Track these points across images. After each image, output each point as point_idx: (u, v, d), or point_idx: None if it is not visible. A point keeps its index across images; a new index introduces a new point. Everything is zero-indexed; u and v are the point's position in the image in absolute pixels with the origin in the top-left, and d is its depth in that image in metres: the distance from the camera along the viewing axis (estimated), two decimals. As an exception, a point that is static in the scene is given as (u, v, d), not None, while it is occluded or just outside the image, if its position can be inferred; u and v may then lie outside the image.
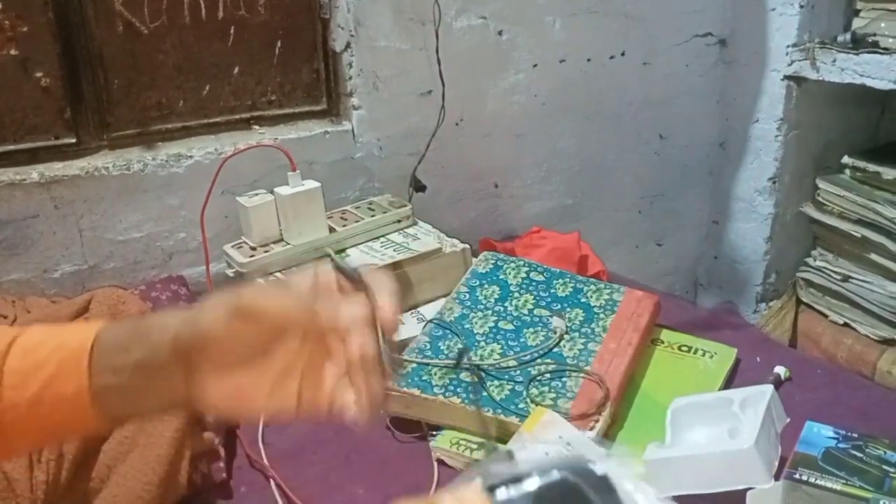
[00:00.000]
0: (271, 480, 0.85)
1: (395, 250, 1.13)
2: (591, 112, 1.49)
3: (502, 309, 1.03)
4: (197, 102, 1.17)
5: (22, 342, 0.54)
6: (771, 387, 0.81)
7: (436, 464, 0.86)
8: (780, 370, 0.99)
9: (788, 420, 0.80)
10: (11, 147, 1.04)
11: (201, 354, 0.52)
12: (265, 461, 0.87)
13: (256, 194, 1.12)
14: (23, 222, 1.03)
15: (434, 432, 0.89)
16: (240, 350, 0.53)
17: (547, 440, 0.81)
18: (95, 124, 1.10)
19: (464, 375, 0.91)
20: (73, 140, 1.08)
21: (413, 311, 1.10)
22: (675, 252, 1.73)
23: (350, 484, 0.85)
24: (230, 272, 1.09)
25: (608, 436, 0.86)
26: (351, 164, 1.26)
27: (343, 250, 1.15)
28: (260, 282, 0.71)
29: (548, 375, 0.92)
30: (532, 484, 0.39)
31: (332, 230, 1.14)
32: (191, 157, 1.13)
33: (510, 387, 0.90)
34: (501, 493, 0.39)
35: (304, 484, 0.85)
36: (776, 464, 0.75)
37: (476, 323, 1.01)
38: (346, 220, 1.18)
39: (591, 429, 0.83)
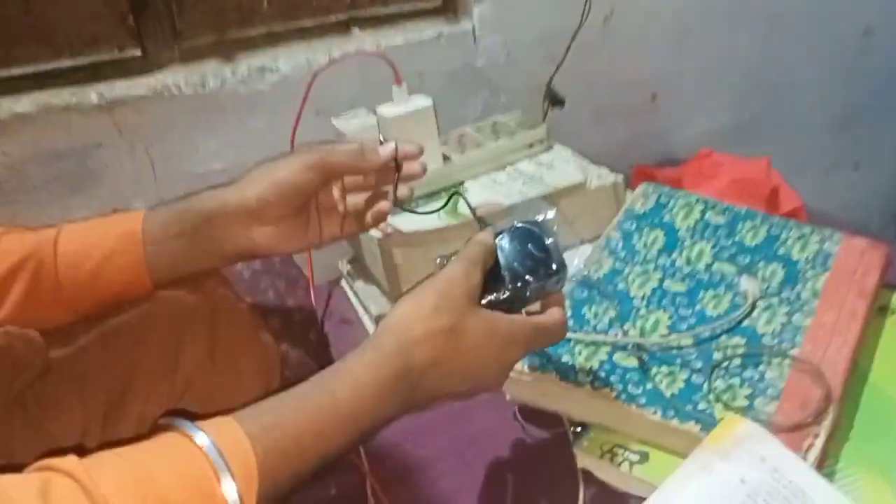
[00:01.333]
0: (367, 483, 0.66)
1: (525, 183, 0.90)
2: (776, 6, 1.16)
3: (669, 263, 0.78)
4: (284, 2, 0.96)
5: (68, 230, 0.61)
6: None
7: (580, 474, 0.65)
8: None
9: None
10: (67, 63, 0.87)
11: (236, 224, 0.61)
12: (363, 458, 0.69)
13: (355, 115, 0.91)
14: (84, 152, 0.87)
15: (579, 429, 0.67)
16: (288, 204, 0.62)
17: (742, 459, 0.57)
18: (163, 32, 0.91)
19: (619, 357, 0.68)
20: (138, 52, 0.90)
21: (556, 227, 0.86)
22: (875, 179, 1.39)
23: (462, 494, 0.66)
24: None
25: (829, 450, 0.61)
26: (471, 74, 1.02)
27: (461, 184, 0.92)
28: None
29: (738, 361, 0.67)
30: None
31: (446, 158, 0.92)
32: (277, 69, 0.92)
33: (685, 376, 0.66)
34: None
35: (404, 488, 0.66)
36: None
37: (633, 282, 0.76)
38: (464, 145, 0.95)
39: (809, 449, 0.58)
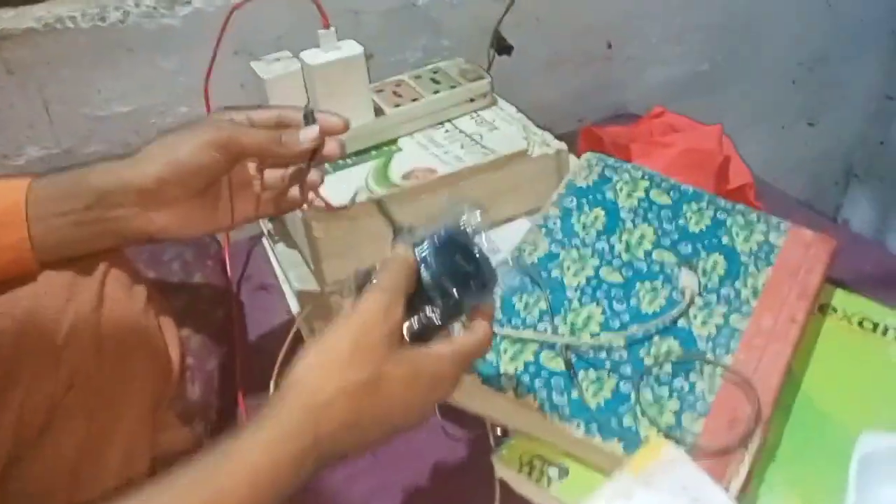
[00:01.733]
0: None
1: (463, 146, 0.83)
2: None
3: (608, 248, 0.73)
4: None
5: None
6: None
7: (497, 483, 0.62)
8: None
9: None
10: (-61, -15, 0.76)
11: (132, 205, 0.56)
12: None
13: (278, 59, 0.81)
14: (-35, 93, 0.77)
15: (500, 433, 0.64)
16: (191, 186, 0.57)
17: (663, 487, 0.54)
18: (56, -48, 0.80)
19: (546, 358, 0.64)
20: (26, -25, 0.79)
21: (483, 234, 0.80)
22: (830, 133, 1.35)
23: (379, 494, 0.62)
24: (243, 165, 0.81)
25: (753, 471, 0.59)
26: (411, 13, 0.93)
27: (394, 141, 0.85)
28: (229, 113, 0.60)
29: (669, 368, 0.63)
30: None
31: (379, 112, 0.84)
32: (188, 2, 0.82)
33: (612, 384, 0.62)
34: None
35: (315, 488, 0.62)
36: None
37: (569, 269, 0.72)
38: (400, 96, 0.87)
39: (733, 478, 0.56)
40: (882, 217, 1.42)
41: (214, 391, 0.67)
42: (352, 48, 0.79)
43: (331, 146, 0.61)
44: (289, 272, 0.82)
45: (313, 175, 0.63)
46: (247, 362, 0.72)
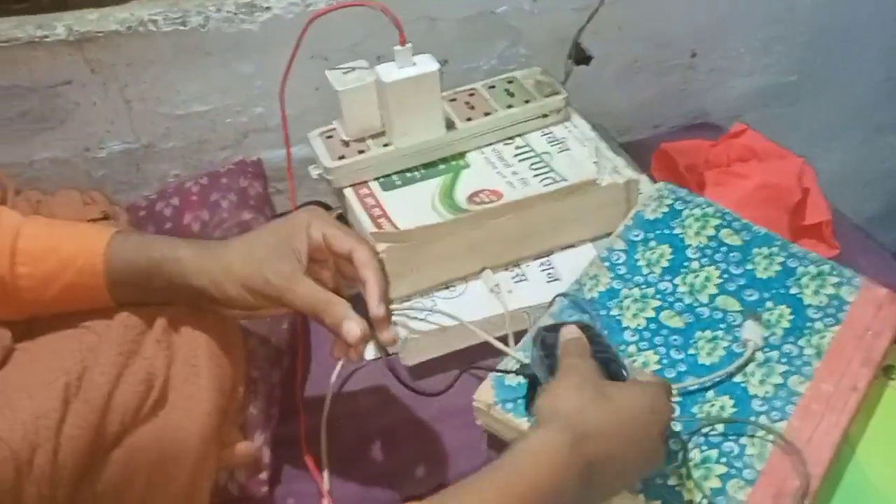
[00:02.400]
0: (324, 501, 0.66)
1: (532, 167, 0.82)
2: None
3: (671, 289, 0.72)
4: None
5: (26, 247, 0.58)
6: None
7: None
8: None
9: None
10: (30, -13, 0.78)
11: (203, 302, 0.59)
12: (324, 470, 0.67)
13: (353, 69, 0.81)
14: (52, 90, 0.79)
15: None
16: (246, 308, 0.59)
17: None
18: (142, -45, 0.80)
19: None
20: (112, -22, 0.80)
21: (543, 260, 0.80)
22: (917, 147, 1.28)
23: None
24: (314, 173, 0.82)
25: (795, 544, 0.59)
26: (490, 20, 0.91)
27: (462, 155, 0.84)
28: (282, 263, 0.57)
29: (721, 428, 0.63)
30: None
31: (450, 125, 0.83)
32: (268, 7, 0.82)
33: (662, 440, 0.63)
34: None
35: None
36: None
37: (628, 308, 0.71)
38: (472, 107, 0.86)
39: (774, 556, 0.56)
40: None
41: (276, 403, 0.70)
42: (427, 65, 0.79)
43: (386, 336, 0.58)
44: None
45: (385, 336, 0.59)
46: (307, 374, 0.75)
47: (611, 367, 0.60)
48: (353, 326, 0.55)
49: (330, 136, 0.84)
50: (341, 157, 0.81)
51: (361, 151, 0.81)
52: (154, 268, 0.58)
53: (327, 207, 0.84)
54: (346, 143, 0.82)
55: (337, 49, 0.85)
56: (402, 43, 0.77)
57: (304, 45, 0.77)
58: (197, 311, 0.62)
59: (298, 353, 0.75)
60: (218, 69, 0.84)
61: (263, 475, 0.65)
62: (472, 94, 0.88)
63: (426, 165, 0.83)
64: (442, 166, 0.83)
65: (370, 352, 0.60)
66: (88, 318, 0.60)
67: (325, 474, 0.67)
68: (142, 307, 0.61)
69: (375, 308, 0.57)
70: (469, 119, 0.84)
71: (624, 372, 0.59)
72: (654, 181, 0.88)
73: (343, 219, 0.83)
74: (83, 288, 0.58)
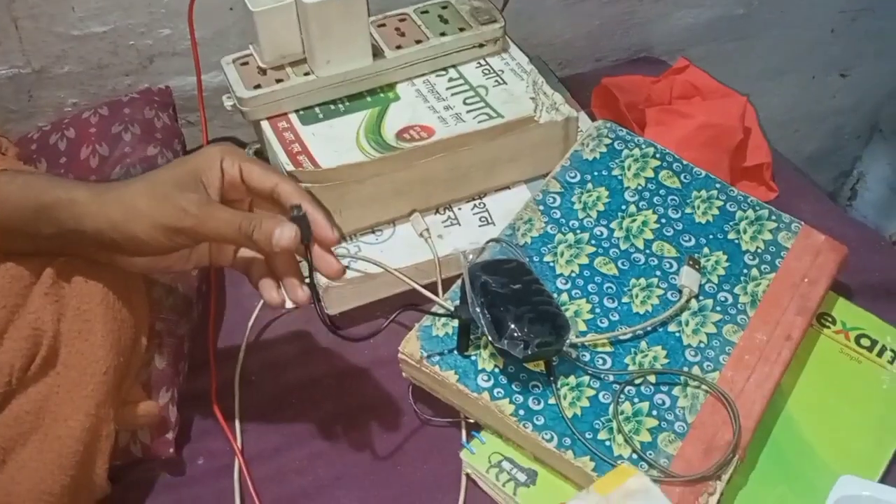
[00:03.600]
0: (236, 460, 0.61)
1: (465, 101, 0.77)
2: None
3: (606, 233, 0.69)
4: None
5: None
6: None
7: (464, 478, 0.61)
8: None
9: None
10: None
11: (94, 249, 0.54)
12: (236, 429, 0.63)
13: (271, -13, 0.74)
14: (-76, 5, 0.70)
15: (474, 431, 0.62)
16: (150, 254, 0.53)
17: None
18: None
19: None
20: None
21: (476, 202, 0.76)
22: (861, 86, 1.26)
23: (341, 480, 0.62)
24: (228, 104, 0.75)
25: (723, 498, 0.57)
26: (424, -62, 0.83)
27: (392, 87, 0.78)
28: (194, 196, 0.51)
29: (651, 382, 0.61)
30: None
31: (377, 52, 0.77)
32: (173, -86, 0.73)
33: (591, 392, 0.60)
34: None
35: (279, 469, 0.62)
36: None
37: (562, 255, 0.68)
38: (403, 33, 0.79)
39: (702, 511, 0.55)
40: (900, 175, 1.36)
41: (184, 357, 0.65)
42: (352, -15, 0.72)
43: (327, 267, 0.53)
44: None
45: (298, 294, 0.54)
46: (220, 322, 0.70)
47: (556, 320, 0.58)
48: (286, 229, 0.49)
49: (245, 63, 0.76)
50: (257, 87, 0.74)
51: (279, 80, 0.74)
52: (44, 212, 0.51)
53: (242, 145, 0.78)
54: (263, 71, 0.75)
55: (253, -35, 0.77)
56: (324, -40, 0.70)
57: (215, -41, 0.69)
58: (93, 260, 0.56)
59: (210, 301, 0.69)
60: (118, -17, 0.75)
61: (170, 435, 0.60)
62: (402, 20, 0.81)
63: (351, 97, 0.77)
64: (369, 98, 0.77)
65: (289, 301, 0.56)
66: None
67: (238, 431, 0.63)
68: (29, 257, 0.55)
69: (328, 231, 0.51)
70: (399, 47, 0.78)
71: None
72: (595, 118, 0.84)
73: (260, 154, 0.77)
74: None
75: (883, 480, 0.59)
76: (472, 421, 0.63)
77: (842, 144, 1.36)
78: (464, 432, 0.63)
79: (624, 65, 1.02)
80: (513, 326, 0.57)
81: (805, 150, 1.32)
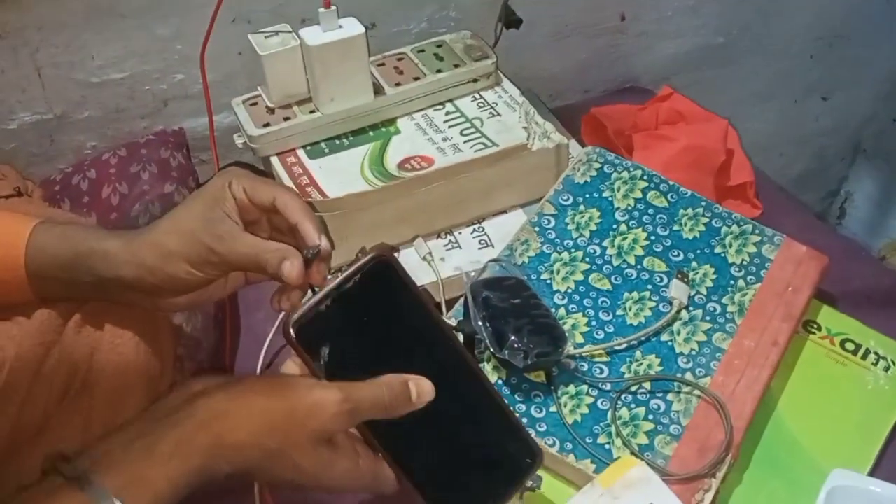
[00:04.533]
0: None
1: (462, 133, 0.81)
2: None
3: (599, 251, 0.73)
4: None
5: None
6: None
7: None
8: None
9: None
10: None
11: (131, 294, 0.55)
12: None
13: (276, 33, 0.79)
14: (-45, 56, 0.75)
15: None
16: (184, 290, 0.55)
17: (630, 502, 0.56)
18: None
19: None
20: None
21: (475, 226, 0.80)
22: (843, 109, 1.32)
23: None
24: (239, 142, 0.80)
25: (719, 496, 0.61)
26: (418, -17, 0.89)
27: (393, 121, 0.83)
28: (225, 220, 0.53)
29: (648, 386, 0.65)
30: None
31: (378, 90, 0.82)
32: (186, -32, 0.79)
33: (590, 400, 0.64)
34: None
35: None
36: None
37: (558, 273, 0.72)
38: (401, 72, 0.84)
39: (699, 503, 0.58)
40: (885, 193, 1.41)
41: (203, 380, 0.69)
42: (353, 27, 0.77)
43: (317, 276, 0.53)
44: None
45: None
46: (236, 347, 0.74)
47: (554, 332, 0.62)
48: (288, 265, 0.50)
49: (254, 103, 0.81)
50: (266, 125, 0.78)
51: (287, 118, 0.79)
52: (81, 261, 0.54)
53: (252, 168, 0.82)
54: (271, 110, 0.80)
55: (260, 11, 0.83)
56: (327, 5, 0.75)
57: (225, 6, 0.74)
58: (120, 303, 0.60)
59: (225, 327, 0.73)
60: (135, 32, 0.80)
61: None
62: (400, 59, 0.86)
63: (355, 132, 0.82)
64: (371, 133, 0.82)
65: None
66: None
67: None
68: (61, 303, 0.58)
69: (320, 241, 0.51)
70: (398, 84, 0.83)
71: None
72: (584, 145, 0.89)
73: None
74: (1, 283, 0.55)
75: (870, 475, 0.62)
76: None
77: (827, 165, 1.40)
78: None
79: (611, 95, 1.07)
80: (513, 338, 0.61)
81: (792, 172, 1.37)
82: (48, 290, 0.56)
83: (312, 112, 0.80)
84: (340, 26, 0.77)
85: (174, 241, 0.52)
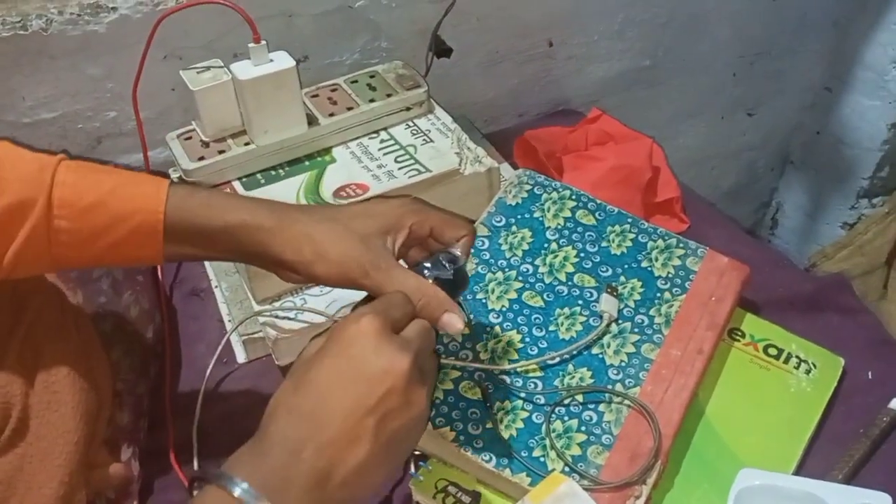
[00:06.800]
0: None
1: (397, 160, 0.83)
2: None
3: (531, 269, 0.76)
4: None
5: (65, 197, 0.52)
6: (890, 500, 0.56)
7: (415, 506, 0.65)
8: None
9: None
10: None
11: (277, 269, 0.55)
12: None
13: (208, 68, 0.80)
14: None
15: (421, 461, 0.67)
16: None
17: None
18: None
19: (465, 387, 0.67)
20: (-60, -20, 0.76)
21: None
22: (769, 123, 1.38)
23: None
24: (174, 176, 0.81)
25: (651, 502, 0.63)
26: (348, 15, 0.91)
27: (328, 151, 0.85)
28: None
29: (581, 398, 0.67)
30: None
31: (312, 120, 0.83)
32: (114, 8, 0.80)
33: (525, 414, 0.66)
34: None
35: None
36: None
37: (493, 292, 0.74)
38: (335, 103, 0.86)
39: (629, 513, 0.60)
40: (814, 202, 1.47)
41: (144, 414, 0.69)
42: (283, 61, 0.78)
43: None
44: (220, 277, 0.83)
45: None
46: (176, 380, 0.74)
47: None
48: (454, 320, 0.52)
49: (189, 138, 0.82)
50: (201, 158, 0.79)
51: (222, 151, 0.80)
52: (228, 233, 0.54)
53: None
54: (206, 144, 0.81)
55: (191, 48, 0.84)
56: (257, 40, 0.77)
57: (156, 44, 0.76)
58: (57, 331, 0.60)
59: (165, 360, 0.73)
60: (65, 73, 0.81)
61: (133, 489, 0.64)
62: (334, 90, 0.88)
63: (290, 162, 0.83)
64: (307, 163, 0.84)
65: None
66: None
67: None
68: None
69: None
70: (332, 114, 0.85)
71: None
72: (517, 168, 0.91)
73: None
74: (134, 246, 0.54)
75: (796, 474, 0.65)
76: (418, 453, 0.67)
77: (757, 178, 1.46)
78: (412, 464, 0.67)
79: (545, 118, 1.10)
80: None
81: (723, 186, 1.42)
82: (179, 254, 0.55)
83: (247, 144, 0.81)
84: (271, 60, 0.78)
85: (336, 251, 0.53)
